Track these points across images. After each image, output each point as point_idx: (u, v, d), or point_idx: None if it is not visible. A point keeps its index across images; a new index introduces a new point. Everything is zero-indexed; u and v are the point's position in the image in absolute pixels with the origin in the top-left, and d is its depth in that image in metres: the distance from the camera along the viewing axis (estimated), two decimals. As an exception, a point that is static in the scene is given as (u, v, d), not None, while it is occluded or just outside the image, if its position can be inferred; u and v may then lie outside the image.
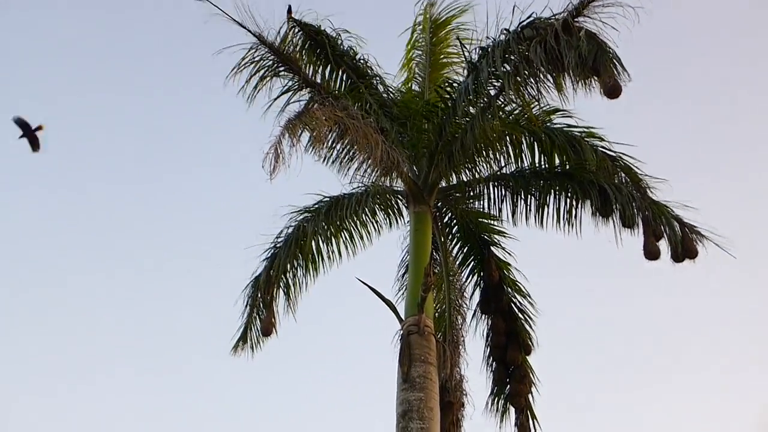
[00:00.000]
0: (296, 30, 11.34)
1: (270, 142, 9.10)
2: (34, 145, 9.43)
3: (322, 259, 11.54)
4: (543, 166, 11.29)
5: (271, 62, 11.22)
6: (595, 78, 9.25)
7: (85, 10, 20.54)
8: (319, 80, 11.46)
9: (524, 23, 10.04)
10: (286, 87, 11.32)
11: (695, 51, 19.69)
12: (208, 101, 18.14)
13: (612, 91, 9.01)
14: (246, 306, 11.42)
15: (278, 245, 11.41)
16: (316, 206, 11.53)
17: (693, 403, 18.99)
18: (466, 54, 11.24)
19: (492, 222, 11.85)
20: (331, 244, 11.52)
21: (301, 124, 9.61)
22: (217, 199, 19.64)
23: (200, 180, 20.34)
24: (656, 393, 19.18)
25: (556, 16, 9.65)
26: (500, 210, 11.56)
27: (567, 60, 9.24)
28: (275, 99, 11.24)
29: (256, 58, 11.12)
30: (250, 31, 11.01)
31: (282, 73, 11.28)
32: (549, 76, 9.85)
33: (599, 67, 9.12)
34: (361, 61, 11.58)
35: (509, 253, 11.98)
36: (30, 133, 9.53)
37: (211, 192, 20.04)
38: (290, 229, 11.43)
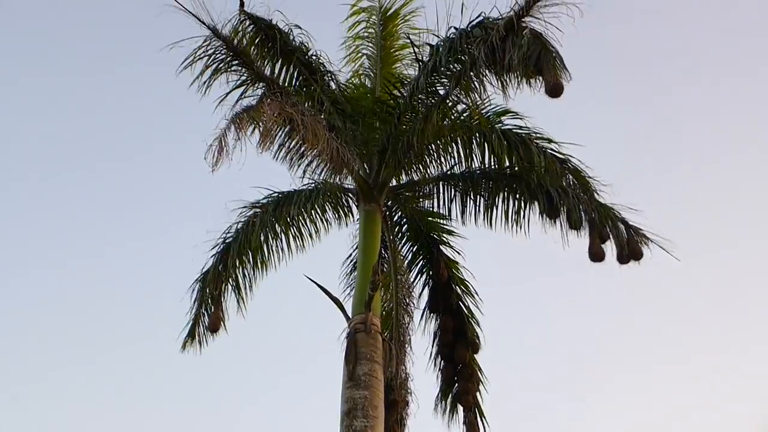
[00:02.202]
0: (248, 23, 11.24)
1: (215, 135, 9.16)
2: None
3: (271, 255, 11.46)
4: (492, 167, 11.33)
5: (224, 56, 11.10)
6: (539, 77, 9.37)
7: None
8: (271, 75, 11.35)
9: (473, 23, 10.17)
10: (239, 81, 11.19)
11: (637, 53, 19.97)
12: (159, 92, 17.91)
13: (554, 90, 9.18)
14: (194, 302, 11.32)
15: (227, 240, 11.34)
16: (266, 201, 11.47)
17: (639, 402, 19.29)
18: (416, 51, 11.28)
19: (441, 221, 11.90)
20: (280, 240, 11.47)
21: (249, 119, 9.57)
22: (168, 193, 19.42)
23: (150, 173, 20.10)
24: (602, 392, 19.45)
25: (504, 16, 9.76)
26: (450, 210, 11.65)
27: (510, 59, 9.36)
28: (228, 93, 11.13)
29: (210, 52, 11.00)
30: (204, 24, 10.88)
31: (235, 67, 11.16)
32: (493, 76, 9.99)
33: (542, 66, 9.25)
34: (314, 57, 11.51)
35: (458, 252, 12.07)
36: None
37: (162, 186, 19.83)
38: (239, 225, 11.36)
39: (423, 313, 12.08)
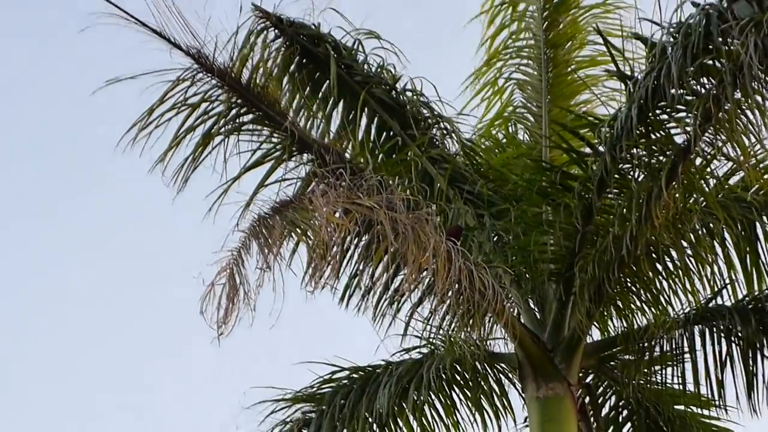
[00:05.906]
0: (271, 34, 5.98)
1: (221, 265, 4.98)
2: None
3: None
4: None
5: (225, 104, 6.00)
6: None
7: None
8: (322, 136, 6.26)
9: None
10: (261, 150, 6.11)
11: None
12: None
13: None
14: None
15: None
16: (328, 389, 6.28)
17: None
18: (615, 55, 6.07)
19: (704, 410, 6.51)
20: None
21: (285, 228, 5.29)
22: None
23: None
24: None
25: None
26: (720, 384, 6.17)
27: None
28: (235, 179, 6.08)
29: (192, 98, 5.85)
30: (178, 46, 5.80)
31: (249, 124, 6.08)
32: None
33: None
34: (408, 92, 6.17)
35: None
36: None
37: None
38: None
39: None
